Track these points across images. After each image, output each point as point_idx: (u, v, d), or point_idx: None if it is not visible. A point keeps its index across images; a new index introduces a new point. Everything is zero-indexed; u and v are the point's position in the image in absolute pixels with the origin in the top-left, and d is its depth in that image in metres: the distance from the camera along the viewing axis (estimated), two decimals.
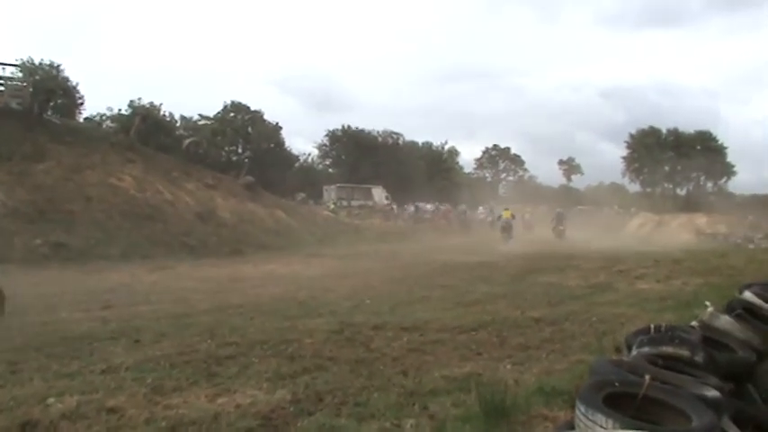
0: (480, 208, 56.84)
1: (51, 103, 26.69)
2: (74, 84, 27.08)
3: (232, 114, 67.46)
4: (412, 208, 55.21)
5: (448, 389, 5.06)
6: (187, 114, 64.41)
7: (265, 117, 68.60)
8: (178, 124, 61.68)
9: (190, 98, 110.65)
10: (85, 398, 4.71)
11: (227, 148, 67.26)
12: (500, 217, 32.00)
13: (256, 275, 15.35)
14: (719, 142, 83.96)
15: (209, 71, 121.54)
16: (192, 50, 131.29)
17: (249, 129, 67.43)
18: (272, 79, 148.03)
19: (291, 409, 4.56)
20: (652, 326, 4.35)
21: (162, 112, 55.39)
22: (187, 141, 39.38)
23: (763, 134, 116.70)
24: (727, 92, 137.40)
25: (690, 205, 65.93)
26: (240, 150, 67.92)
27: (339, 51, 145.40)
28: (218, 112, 67.10)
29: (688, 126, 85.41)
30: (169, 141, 46.77)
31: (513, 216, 31.35)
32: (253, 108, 68.34)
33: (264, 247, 24.40)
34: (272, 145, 68.31)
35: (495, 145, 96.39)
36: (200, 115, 65.77)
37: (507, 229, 29.87)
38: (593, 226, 51.39)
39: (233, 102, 67.66)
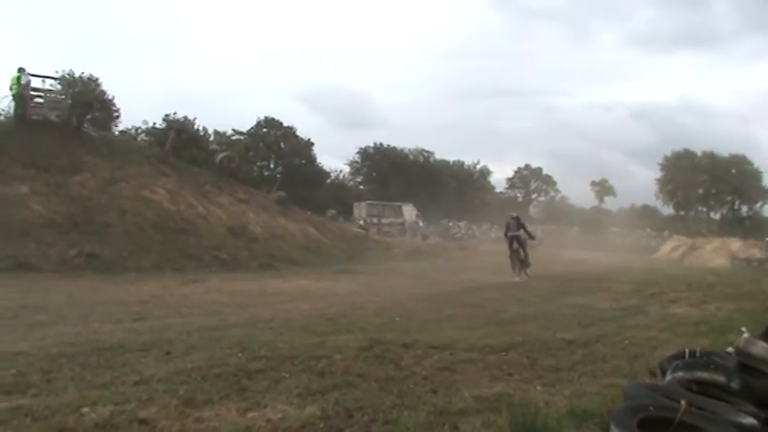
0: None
1: (89, 116, 27.09)
2: (110, 97, 27.48)
3: (265, 130, 68.12)
4: (443, 226, 55.25)
5: (478, 409, 5.03)
6: (220, 129, 65.07)
7: (297, 133, 68.94)
8: (211, 138, 62.26)
9: (222, 113, 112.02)
10: (118, 408, 4.75)
11: (259, 164, 67.90)
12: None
13: (286, 290, 15.41)
14: (755, 166, 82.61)
15: (240, 87, 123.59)
16: (224, 66, 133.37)
17: (281, 144, 67.90)
18: (302, 96, 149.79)
19: (321, 425, 4.56)
20: (687, 351, 4.30)
21: (196, 127, 55.97)
22: (220, 156, 39.65)
23: None
24: (760, 115, 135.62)
25: (724, 229, 64.87)
26: (272, 166, 68.47)
27: (369, 68, 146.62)
28: (252, 128, 67.83)
29: (720, 149, 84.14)
30: (202, 155, 47.27)
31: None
32: (285, 124, 68.77)
33: (295, 262, 24.51)
34: (304, 161, 68.78)
35: (526, 165, 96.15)
36: (233, 130, 66.55)
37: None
38: (625, 248, 50.94)
39: (266, 117, 68.35)
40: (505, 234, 22.71)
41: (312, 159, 70.96)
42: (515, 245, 21.73)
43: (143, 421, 4.53)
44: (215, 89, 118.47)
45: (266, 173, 65.87)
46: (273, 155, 68.32)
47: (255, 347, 7.30)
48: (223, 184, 30.22)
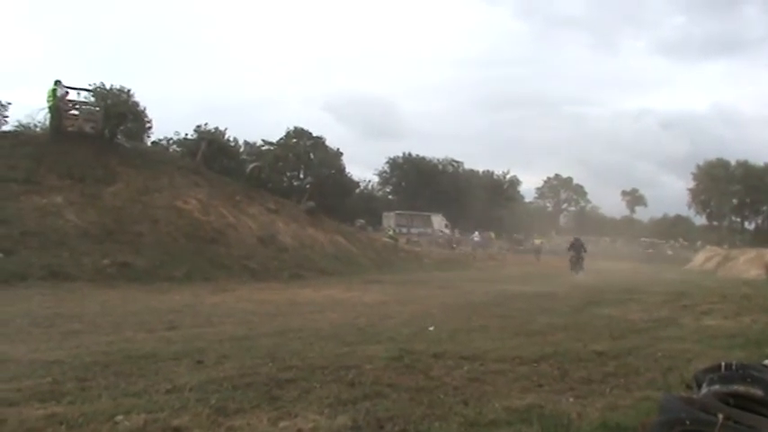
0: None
1: (122, 127, 27.50)
2: (142, 108, 27.88)
3: (294, 140, 68.54)
4: (474, 237, 55.12)
5: (509, 420, 5.00)
6: (250, 139, 65.65)
7: (326, 143, 69.28)
8: (242, 149, 62.92)
9: (252, 124, 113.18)
10: (152, 416, 4.80)
11: (288, 174, 68.32)
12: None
13: (316, 300, 15.46)
14: None
15: (269, 97, 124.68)
16: (254, 77, 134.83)
17: (311, 155, 68.25)
18: (329, 106, 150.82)
19: None
20: (723, 363, 4.23)
21: (226, 137, 56.58)
22: (250, 166, 40.08)
23: None
24: None
25: (759, 240, 63.77)
26: (302, 176, 68.85)
27: (395, 78, 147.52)
28: (281, 138, 68.32)
29: (755, 157, 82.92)
30: (233, 165, 47.84)
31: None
32: (314, 134, 69.15)
33: (324, 272, 24.59)
34: (333, 171, 69.03)
35: (556, 174, 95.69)
36: (263, 140, 67.12)
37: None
38: (657, 259, 50.32)
39: (295, 128, 68.78)
40: (569, 249, 32.63)
41: (341, 169, 71.27)
42: (575, 256, 31.38)
43: (176, 430, 4.57)
44: (245, 100, 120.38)
45: (296, 183, 66.30)
46: (303, 165, 68.75)
47: (286, 357, 7.34)
48: (253, 194, 30.47)
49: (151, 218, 22.29)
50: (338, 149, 70.37)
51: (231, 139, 59.09)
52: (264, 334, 9.57)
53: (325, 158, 68.57)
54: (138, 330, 9.75)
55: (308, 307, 13.90)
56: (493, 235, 59.66)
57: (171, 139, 53.32)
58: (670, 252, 55.97)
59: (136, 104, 27.55)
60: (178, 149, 49.65)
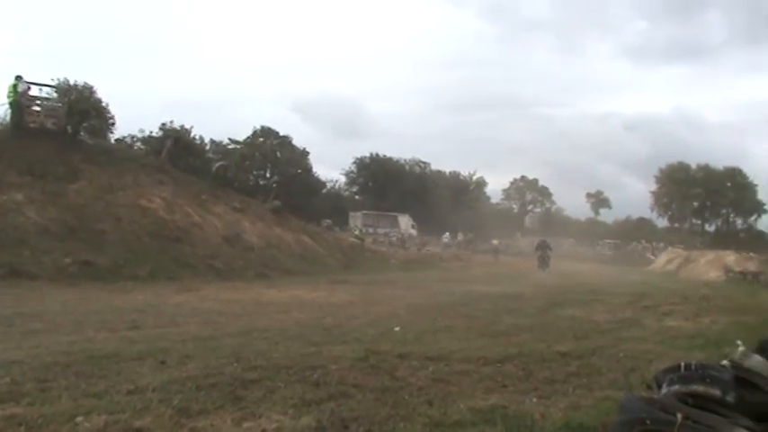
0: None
1: (85, 124, 27.07)
2: (105, 104, 27.45)
3: (261, 139, 68.14)
4: (443, 238, 55.71)
5: (473, 420, 5.03)
6: (217, 138, 65.11)
7: (293, 142, 69.05)
8: (208, 147, 62.36)
9: (219, 122, 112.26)
10: (113, 417, 4.74)
11: (255, 173, 67.97)
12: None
13: (281, 300, 15.37)
14: (749, 179, 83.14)
15: (236, 96, 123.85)
16: (220, 75, 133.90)
17: (277, 154, 67.94)
18: (296, 105, 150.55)
19: None
20: (683, 363, 4.30)
21: (192, 135, 56.02)
22: (216, 165, 39.81)
23: None
24: (753, 128, 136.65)
25: (718, 242, 65.03)
26: (268, 175, 68.50)
27: (362, 78, 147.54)
28: (248, 137, 67.82)
29: (715, 161, 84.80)
30: (199, 164, 47.41)
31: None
32: (281, 133, 68.87)
33: (290, 271, 24.49)
34: (300, 170, 68.84)
35: (522, 176, 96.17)
36: (229, 139, 66.56)
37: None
38: (620, 260, 51.04)
39: (262, 127, 68.39)
40: (536, 249, 36.19)
41: (308, 169, 71.09)
42: (542, 255, 34.68)
43: (138, 431, 4.52)
44: (212, 98, 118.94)
45: (262, 182, 65.89)
46: (269, 164, 68.41)
47: (251, 357, 7.29)
48: (219, 193, 30.23)
49: (114, 216, 21.97)
50: (305, 149, 70.21)
51: (197, 137, 58.56)
52: (229, 334, 9.50)
53: (292, 158, 68.31)
54: (100, 330, 9.60)
55: (273, 307, 13.82)
56: (460, 236, 60.00)
57: (135, 136, 52.69)
58: (651, 256, 56.72)
59: (99, 101, 27.15)
60: (143, 147, 48.99)
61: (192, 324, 10.67)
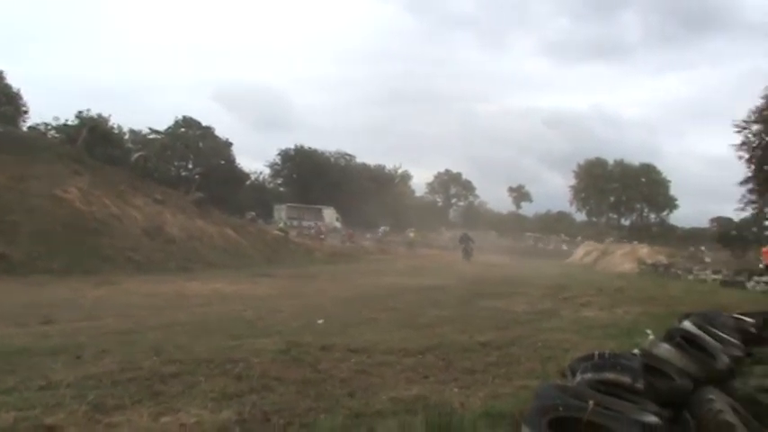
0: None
1: None
2: (17, 90, 26.42)
3: (183, 129, 66.73)
4: (380, 231, 56.11)
5: (395, 410, 5.06)
6: (136, 127, 63.42)
7: (216, 133, 67.98)
8: (127, 137, 60.69)
9: (138, 111, 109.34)
10: (22, 414, 4.57)
11: (176, 164, 66.58)
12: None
13: (203, 293, 15.12)
14: (663, 175, 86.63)
15: (156, 84, 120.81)
16: (141, 62, 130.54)
17: (200, 144, 66.72)
18: (219, 95, 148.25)
19: (237, 429, 4.50)
20: (596, 353, 4.45)
21: (110, 124, 54.41)
22: (136, 155, 38.81)
23: (699, 170, 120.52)
24: (666, 126, 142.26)
25: (633, 235, 67.47)
26: (190, 166, 67.24)
27: (288, 70, 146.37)
28: (169, 127, 66.35)
29: (631, 158, 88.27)
30: (117, 154, 46.03)
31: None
32: (204, 123, 67.68)
33: (212, 264, 24.12)
34: (223, 162, 67.83)
35: (446, 170, 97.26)
36: (149, 129, 64.88)
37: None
38: (540, 253, 52.31)
39: (184, 117, 66.95)
40: (460, 241, 40.89)
41: (231, 160, 70.15)
42: (465, 246, 39.19)
43: (50, 428, 4.37)
44: (130, 86, 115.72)
45: (184, 173, 64.69)
46: (191, 155, 67.17)
47: (171, 351, 7.15)
48: (139, 184, 29.51)
49: (27, 207, 21.14)
50: (228, 140, 69.27)
51: (115, 126, 56.94)
52: (149, 327, 9.31)
53: (215, 148, 67.27)
54: (10, 325, 9.26)
55: (195, 300, 13.60)
56: (387, 228, 60.34)
57: (49, 124, 50.62)
58: (565, 247, 58.37)
59: (9, 86, 26.08)
60: (57, 136, 47.20)
61: (110, 318, 10.41)
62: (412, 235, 53.77)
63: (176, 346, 7.47)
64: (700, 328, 5.93)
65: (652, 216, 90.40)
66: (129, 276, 18.62)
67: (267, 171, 79.39)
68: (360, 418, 4.84)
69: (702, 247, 49.96)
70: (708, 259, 38.92)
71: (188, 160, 67.68)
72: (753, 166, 29.69)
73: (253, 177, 76.61)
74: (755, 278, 23.81)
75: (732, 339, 6.21)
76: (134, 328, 9.28)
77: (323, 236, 46.94)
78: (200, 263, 23.67)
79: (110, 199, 24.92)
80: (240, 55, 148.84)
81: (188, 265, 22.78)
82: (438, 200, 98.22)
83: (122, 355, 6.84)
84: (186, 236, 26.35)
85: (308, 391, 5.60)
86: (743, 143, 29.78)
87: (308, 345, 7.81)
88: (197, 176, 54.44)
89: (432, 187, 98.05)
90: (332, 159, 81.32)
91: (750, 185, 30.60)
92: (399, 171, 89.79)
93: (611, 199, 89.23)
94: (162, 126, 66.13)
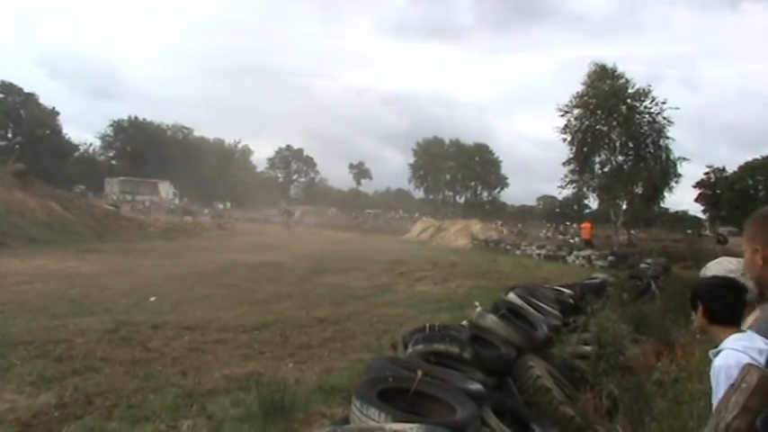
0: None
1: None
2: None
3: (1, 95, 61.69)
4: (210, 207, 54.84)
5: (228, 388, 5.02)
6: None
7: (40, 101, 63.47)
8: None
9: None
10: None
11: None
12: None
13: (24, 271, 14.08)
14: (495, 155, 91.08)
15: None
16: None
17: (21, 112, 62.05)
18: (42, 60, 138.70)
19: (57, 413, 4.27)
20: (427, 325, 4.61)
21: None
22: None
23: (528, 150, 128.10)
24: (497, 107, 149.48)
25: (468, 212, 70.43)
26: (10, 135, 62.47)
27: (119, 38, 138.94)
28: None
29: (466, 137, 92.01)
30: None
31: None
32: (26, 90, 62.97)
33: (35, 240, 22.53)
34: (48, 131, 63.54)
35: (288, 145, 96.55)
36: None
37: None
38: (379, 229, 53.38)
39: (3, 82, 61.88)
40: (282, 214, 46.09)
41: (57, 130, 65.89)
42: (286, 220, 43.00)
43: None
44: None
45: (3, 143, 59.99)
46: (11, 123, 62.34)
47: None
48: None
49: None
50: (54, 108, 64.92)
51: None
52: None
53: (39, 117, 62.81)
54: None
55: (14, 278, 12.61)
56: (230, 204, 59.21)
57: None
58: (403, 223, 59.92)
59: None
60: None
61: None
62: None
63: None
64: (523, 299, 6.29)
65: (485, 194, 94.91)
66: None
67: (98, 143, 75.21)
68: (191, 398, 4.75)
69: (519, 225, 53.50)
70: (537, 234, 41.57)
71: (7, 129, 62.78)
72: (574, 148, 32.13)
73: (82, 149, 72.35)
74: (575, 252, 25.69)
75: (552, 310, 6.63)
76: None
77: (152, 212, 45.26)
78: (20, 239, 22.02)
79: None
80: (67, 19, 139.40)
81: (6, 241, 21.11)
82: (279, 176, 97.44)
83: None
84: (4, 209, 24.40)
85: (137, 371, 5.42)
86: (565, 126, 32.34)
87: (138, 323, 7.54)
88: (17, 146, 50.66)
89: (272, 163, 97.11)
90: (169, 132, 78.42)
91: (571, 166, 33.04)
92: (240, 146, 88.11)
93: (448, 177, 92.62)
94: None
